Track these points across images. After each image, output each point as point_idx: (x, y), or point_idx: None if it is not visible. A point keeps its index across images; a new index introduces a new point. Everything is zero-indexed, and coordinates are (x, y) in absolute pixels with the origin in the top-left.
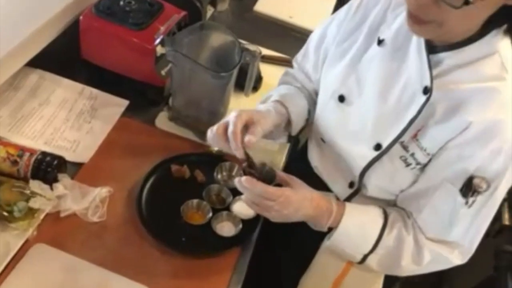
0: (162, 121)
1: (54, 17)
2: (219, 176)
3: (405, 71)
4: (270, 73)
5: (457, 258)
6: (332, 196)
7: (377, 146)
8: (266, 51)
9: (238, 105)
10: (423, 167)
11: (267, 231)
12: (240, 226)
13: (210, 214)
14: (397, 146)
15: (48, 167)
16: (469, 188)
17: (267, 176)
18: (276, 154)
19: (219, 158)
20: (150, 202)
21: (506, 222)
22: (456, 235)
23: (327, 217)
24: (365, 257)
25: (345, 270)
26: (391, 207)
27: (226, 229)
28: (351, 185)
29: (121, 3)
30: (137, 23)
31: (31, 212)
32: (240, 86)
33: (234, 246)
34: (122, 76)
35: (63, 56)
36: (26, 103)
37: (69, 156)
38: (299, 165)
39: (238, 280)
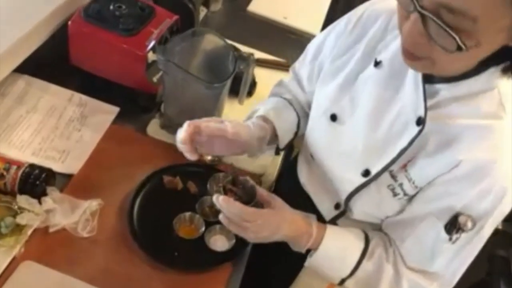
0: (154, 129)
1: (42, 21)
2: (213, 188)
3: (400, 98)
4: (264, 78)
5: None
6: (313, 218)
7: (366, 172)
8: (260, 54)
9: (232, 112)
10: (410, 198)
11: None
12: (234, 240)
13: (203, 228)
14: (385, 175)
15: (36, 180)
16: (453, 226)
17: (247, 194)
18: (268, 167)
19: (213, 168)
20: (142, 216)
21: (500, 226)
22: (437, 267)
23: (306, 239)
24: (343, 280)
25: None
26: (374, 231)
27: (219, 243)
28: (337, 206)
29: (111, 7)
30: (127, 29)
31: (18, 228)
32: (234, 92)
33: (227, 261)
34: (112, 82)
35: (51, 61)
36: (13, 110)
37: (57, 167)
38: (288, 179)
39: None
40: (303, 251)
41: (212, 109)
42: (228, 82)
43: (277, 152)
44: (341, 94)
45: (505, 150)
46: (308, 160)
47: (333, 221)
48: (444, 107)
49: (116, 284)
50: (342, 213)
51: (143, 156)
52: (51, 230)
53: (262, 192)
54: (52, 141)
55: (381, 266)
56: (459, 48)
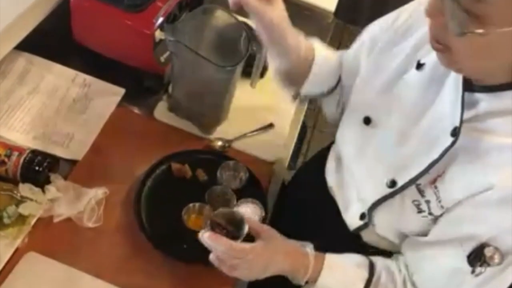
0: (161, 111)
1: None
2: (223, 176)
3: (439, 105)
4: None
5: None
6: (309, 248)
7: (392, 183)
8: None
9: (243, 94)
10: (435, 218)
11: None
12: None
13: None
14: (412, 188)
15: (39, 167)
16: (478, 258)
17: (236, 227)
18: (279, 155)
19: (223, 156)
20: (149, 206)
21: None
22: None
23: (304, 272)
24: None
25: None
26: (380, 258)
27: None
28: (362, 216)
29: None
30: (134, 4)
31: (21, 218)
32: (246, 73)
33: None
34: (117, 61)
35: (53, 38)
36: (13, 92)
37: (61, 153)
38: (313, 180)
39: None
40: (302, 283)
41: (223, 92)
42: (241, 65)
43: (295, 97)
44: (378, 97)
45: None
46: (338, 161)
47: (356, 232)
48: (483, 121)
49: (122, 277)
50: (365, 224)
51: (150, 141)
52: (55, 220)
53: (251, 223)
54: (55, 124)
55: None
56: (462, 33)
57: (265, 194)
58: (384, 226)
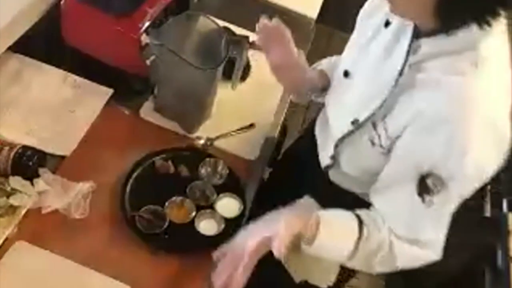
0: (147, 111)
1: None
2: (204, 172)
3: (396, 51)
4: (261, 61)
5: (431, 255)
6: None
7: (355, 121)
8: (255, 37)
9: (225, 96)
10: (387, 151)
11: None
12: (223, 224)
13: (194, 213)
14: (368, 125)
15: (29, 162)
16: (424, 188)
17: (158, 218)
18: (258, 153)
19: (204, 153)
20: (133, 199)
21: (488, 213)
22: (425, 234)
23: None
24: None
25: None
26: (365, 214)
27: (209, 227)
28: (332, 157)
29: None
30: (121, 10)
31: (11, 209)
32: (228, 76)
33: (218, 245)
34: (106, 64)
35: (44, 41)
36: (6, 90)
37: (51, 148)
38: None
39: None
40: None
41: (205, 93)
42: (220, 67)
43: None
44: (357, 52)
45: (463, 109)
46: (324, 112)
47: (326, 170)
48: (423, 62)
49: (107, 265)
50: (333, 163)
51: (135, 139)
52: (43, 211)
53: None
54: (45, 122)
55: (378, 246)
56: None
57: (243, 189)
58: (348, 163)
